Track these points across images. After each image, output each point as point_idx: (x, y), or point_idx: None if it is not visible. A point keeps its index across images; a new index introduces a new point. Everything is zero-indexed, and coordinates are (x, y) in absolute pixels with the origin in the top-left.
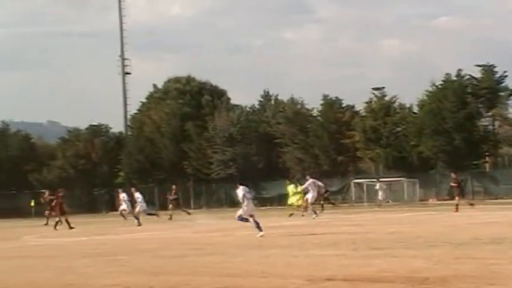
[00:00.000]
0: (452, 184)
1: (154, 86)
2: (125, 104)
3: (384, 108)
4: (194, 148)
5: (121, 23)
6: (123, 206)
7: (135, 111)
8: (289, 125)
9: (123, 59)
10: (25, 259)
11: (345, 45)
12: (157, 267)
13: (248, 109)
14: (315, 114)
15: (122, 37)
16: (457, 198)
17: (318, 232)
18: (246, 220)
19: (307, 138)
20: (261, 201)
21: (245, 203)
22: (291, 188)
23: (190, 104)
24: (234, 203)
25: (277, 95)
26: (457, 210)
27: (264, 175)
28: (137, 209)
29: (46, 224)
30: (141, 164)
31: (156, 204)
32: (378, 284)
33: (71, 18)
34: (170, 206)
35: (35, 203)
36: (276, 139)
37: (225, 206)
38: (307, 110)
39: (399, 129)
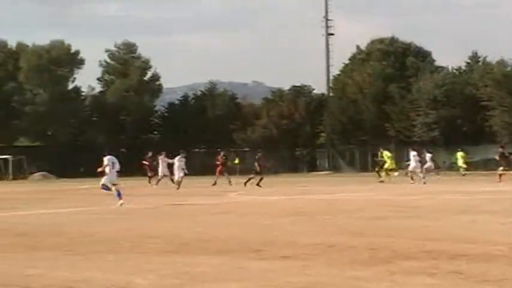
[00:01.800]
0: (497, 157)
1: (358, 47)
2: (328, 65)
3: None
4: (397, 110)
5: None
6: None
7: (338, 73)
8: (497, 88)
9: (327, 20)
10: (229, 215)
11: None
12: (359, 228)
13: (454, 71)
14: None
15: None
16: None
17: None
18: (109, 189)
19: None
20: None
21: (107, 171)
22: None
23: (393, 65)
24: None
25: (485, 56)
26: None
27: (469, 139)
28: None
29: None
30: (342, 125)
31: (357, 166)
32: None
33: None
34: (225, 174)
35: (239, 161)
36: (483, 102)
37: None
38: None
39: None
